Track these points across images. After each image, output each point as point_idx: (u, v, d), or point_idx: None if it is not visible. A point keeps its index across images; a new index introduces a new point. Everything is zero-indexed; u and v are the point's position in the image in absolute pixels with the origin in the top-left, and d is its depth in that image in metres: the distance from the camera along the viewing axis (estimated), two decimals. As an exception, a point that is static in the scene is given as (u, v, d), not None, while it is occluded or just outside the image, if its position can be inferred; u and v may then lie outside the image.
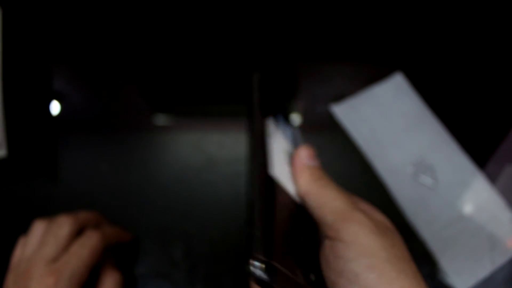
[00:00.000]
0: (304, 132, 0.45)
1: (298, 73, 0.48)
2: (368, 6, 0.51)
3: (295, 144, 0.31)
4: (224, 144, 0.44)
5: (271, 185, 0.24)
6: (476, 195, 0.41)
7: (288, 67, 0.49)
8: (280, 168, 0.27)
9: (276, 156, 0.27)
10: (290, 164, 0.28)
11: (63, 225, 0.32)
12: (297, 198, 0.26)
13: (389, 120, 0.45)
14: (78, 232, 0.33)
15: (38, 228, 0.33)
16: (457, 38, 0.49)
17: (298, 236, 0.25)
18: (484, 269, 0.38)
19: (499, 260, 0.39)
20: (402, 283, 0.20)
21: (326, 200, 0.24)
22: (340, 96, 0.46)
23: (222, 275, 0.38)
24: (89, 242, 0.31)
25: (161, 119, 0.46)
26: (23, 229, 0.40)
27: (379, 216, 0.26)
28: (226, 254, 0.39)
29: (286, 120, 0.28)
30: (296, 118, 0.46)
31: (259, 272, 0.19)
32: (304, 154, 0.28)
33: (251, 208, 0.22)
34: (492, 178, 0.42)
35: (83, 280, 0.30)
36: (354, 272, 0.21)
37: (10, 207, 0.41)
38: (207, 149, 0.44)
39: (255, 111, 0.28)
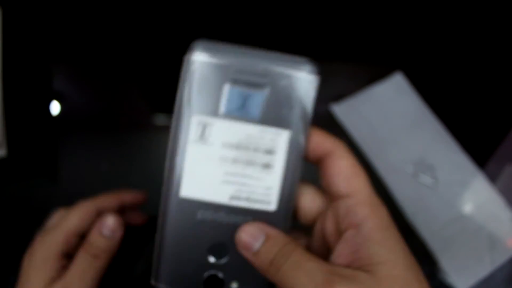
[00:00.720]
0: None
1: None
2: (368, 6, 0.51)
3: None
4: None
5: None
6: (476, 195, 0.42)
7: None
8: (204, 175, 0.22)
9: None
10: (250, 159, 0.22)
11: (70, 218, 0.29)
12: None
13: (389, 120, 0.45)
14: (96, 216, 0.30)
15: (51, 219, 0.31)
16: (457, 38, 0.49)
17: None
18: (484, 269, 0.38)
19: (499, 260, 0.39)
20: None
21: (296, 284, 0.20)
22: (340, 96, 0.46)
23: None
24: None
25: (161, 119, 0.46)
26: (23, 229, 0.40)
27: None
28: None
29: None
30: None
31: None
32: (245, 239, 0.22)
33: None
34: (492, 178, 0.42)
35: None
36: None
37: (10, 207, 0.41)
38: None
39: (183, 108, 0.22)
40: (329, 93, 0.46)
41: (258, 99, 0.22)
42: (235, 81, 0.22)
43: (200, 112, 0.22)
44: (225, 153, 0.22)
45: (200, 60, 0.23)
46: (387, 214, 0.22)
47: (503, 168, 0.43)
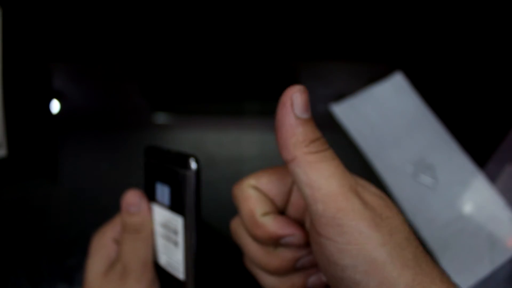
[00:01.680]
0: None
1: (298, 73, 0.48)
2: (368, 6, 0.51)
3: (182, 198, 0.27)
4: (224, 144, 0.44)
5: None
6: (476, 195, 0.42)
7: (288, 67, 0.49)
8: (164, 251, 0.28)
9: (159, 239, 0.29)
10: (168, 236, 0.28)
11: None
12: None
13: (389, 119, 0.45)
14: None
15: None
16: (457, 38, 0.49)
17: None
18: (484, 269, 0.38)
19: (499, 260, 0.39)
20: (405, 279, 0.18)
21: (318, 178, 0.19)
22: (340, 96, 0.46)
23: (221, 275, 0.38)
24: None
25: (161, 118, 0.46)
26: (23, 229, 0.40)
27: (374, 193, 0.21)
28: (226, 254, 0.39)
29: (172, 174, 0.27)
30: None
31: None
32: (298, 101, 0.21)
33: None
34: (492, 178, 0.42)
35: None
36: (353, 280, 0.19)
37: (10, 207, 0.41)
38: (207, 149, 0.44)
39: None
40: (329, 93, 0.46)
41: (166, 191, 0.28)
42: (159, 177, 0.29)
43: (150, 198, 0.30)
44: (158, 229, 0.29)
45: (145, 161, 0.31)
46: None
47: (503, 168, 0.43)
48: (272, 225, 0.24)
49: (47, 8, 0.50)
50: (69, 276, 0.38)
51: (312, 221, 0.21)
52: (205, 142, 0.44)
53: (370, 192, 0.21)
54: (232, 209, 0.41)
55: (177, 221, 0.27)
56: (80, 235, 0.39)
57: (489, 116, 0.45)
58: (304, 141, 0.20)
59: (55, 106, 0.46)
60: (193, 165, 0.26)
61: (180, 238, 0.27)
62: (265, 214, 0.24)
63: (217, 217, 0.40)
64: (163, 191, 0.28)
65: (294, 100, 0.21)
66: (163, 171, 0.28)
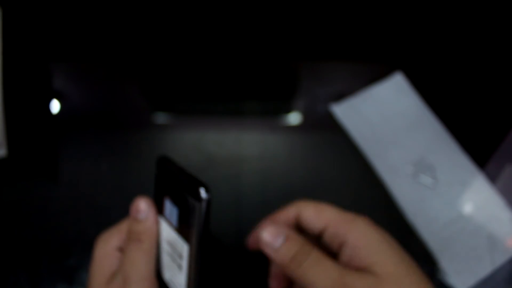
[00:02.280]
0: (304, 132, 0.45)
1: (298, 73, 0.48)
2: (368, 6, 0.51)
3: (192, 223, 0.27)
4: (224, 144, 0.44)
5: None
6: (476, 195, 0.42)
7: (288, 67, 0.49)
8: (169, 268, 0.28)
9: (165, 256, 0.28)
10: (173, 256, 0.28)
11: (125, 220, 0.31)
12: None
13: (389, 120, 0.45)
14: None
15: None
16: (457, 38, 0.49)
17: None
18: (484, 269, 0.38)
19: (499, 260, 0.39)
20: None
21: (313, 281, 0.24)
22: (340, 96, 0.46)
23: (221, 274, 0.38)
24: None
25: (161, 118, 0.46)
26: (23, 229, 0.40)
27: (367, 278, 0.24)
28: (226, 254, 0.39)
29: (182, 197, 0.26)
30: (296, 118, 0.46)
31: None
32: (267, 239, 0.26)
33: None
34: (492, 178, 0.42)
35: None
36: None
37: (10, 207, 0.41)
38: (207, 149, 0.44)
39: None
40: (329, 93, 0.46)
41: (175, 212, 0.27)
42: (169, 196, 0.27)
43: (159, 211, 0.29)
44: (165, 246, 0.28)
45: (157, 172, 0.29)
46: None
47: (503, 168, 0.43)
48: None
49: (47, 8, 0.50)
50: (69, 276, 0.38)
51: None
52: (205, 142, 0.44)
53: (365, 276, 0.23)
54: (231, 210, 0.41)
55: (183, 247, 0.26)
56: (80, 235, 0.39)
57: (489, 116, 0.45)
58: (287, 260, 0.25)
59: (55, 106, 0.46)
60: (204, 195, 0.24)
61: (184, 264, 0.26)
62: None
63: (217, 218, 0.40)
64: (171, 211, 0.27)
65: (263, 239, 0.26)
66: (173, 191, 0.27)
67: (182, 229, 0.26)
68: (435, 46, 0.49)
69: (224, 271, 0.38)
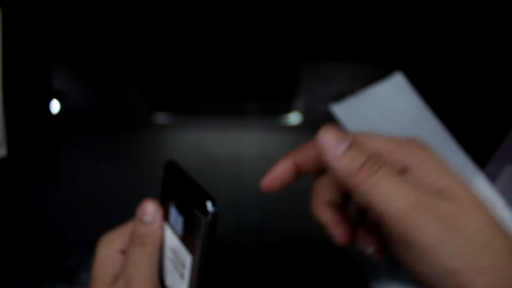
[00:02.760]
0: (304, 131, 0.45)
1: (298, 73, 0.48)
2: (368, 6, 0.51)
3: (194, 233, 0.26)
4: (224, 144, 0.44)
5: None
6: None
7: (288, 67, 0.49)
8: (171, 276, 0.27)
9: (168, 262, 0.28)
10: (176, 264, 0.27)
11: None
12: None
13: (389, 119, 0.45)
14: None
15: None
16: (457, 38, 0.49)
17: None
18: (484, 269, 0.38)
19: (499, 260, 0.39)
20: (480, 285, 0.18)
21: (382, 200, 0.19)
22: (340, 96, 0.46)
23: (221, 274, 0.38)
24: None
25: (161, 118, 0.46)
26: (23, 229, 0.40)
27: (451, 199, 0.20)
28: (226, 254, 0.39)
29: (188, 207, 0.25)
30: (296, 118, 0.46)
31: None
32: (327, 141, 0.21)
33: None
34: (492, 178, 0.42)
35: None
36: (429, 282, 0.19)
37: (10, 207, 0.41)
38: (207, 149, 0.44)
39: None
40: (329, 93, 0.46)
41: (180, 221, 0.26)
42: (175, 203, 0.27)
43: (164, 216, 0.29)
44: (168, 253, 0.28)
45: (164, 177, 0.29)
46: None
47: (503, 168, 0.43)
48: None
49: (47, 8, 0.50)
50: (69, 276, 0.38)
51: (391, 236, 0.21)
52: (205, 142, 0.44)
53: (445, 199, 0.20)
54: (231, 209, 0.41)
55: (186, 257, 0.26)
56: (80, 235, 0.39)
57: (489, 116, 0.45)
58: (354, 169, 0.20)
59: (55, 106, 0.46)
60: (210, 209, 0.23)
61: (187, 274, 0.26)
62: None
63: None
64: (177, 218, 0.27)
65: (323, 142, 0.21)
66: (179, 200, 0.26)
67: (187, 238, 0.26)
68: (435, 46, 0.49)
69: (224, 271, 0.38)
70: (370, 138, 0.23)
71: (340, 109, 0.45)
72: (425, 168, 0.21)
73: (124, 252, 0.29)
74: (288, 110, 0.46)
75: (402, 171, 0.21)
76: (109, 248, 0.29)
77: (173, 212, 0.27)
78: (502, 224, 0.20)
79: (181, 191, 0.26)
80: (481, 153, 0.43)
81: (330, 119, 0.45)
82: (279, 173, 0.26)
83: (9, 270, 0.38)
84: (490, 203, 0.21)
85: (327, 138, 0.21)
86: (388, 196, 0.19)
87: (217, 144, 0.44)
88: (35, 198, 0.41)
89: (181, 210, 0.26)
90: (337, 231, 0.25)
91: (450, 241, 0.18)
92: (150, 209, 0.29)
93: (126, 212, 0.41)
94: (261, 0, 0.51)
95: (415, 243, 0.19)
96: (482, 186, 0.42)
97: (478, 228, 0.19)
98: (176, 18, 0.50)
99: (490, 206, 0.20)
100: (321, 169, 0.26)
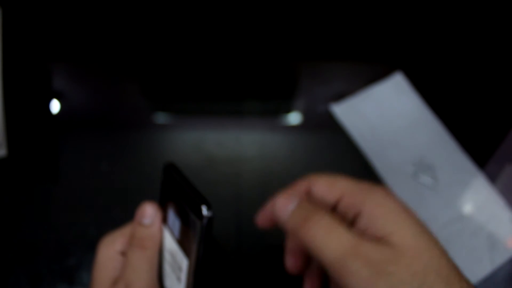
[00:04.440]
0: (304, 131, 0.45)
1: (298, 73, 0.48)
2: (368, 6, 0.51)
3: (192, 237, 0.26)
4: (224, 144, 0.44)
5: None
6: (476, 195, 0.42)
7: (288, 67, 0.49)
8: (170, 278, 0.27)
9: (167, 265, 0.28)
10: (173, 267, 0.27)
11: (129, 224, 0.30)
12: None
13: (389, 120, 0.45)
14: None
15: None
16: (457, 38, 0.49)
17: None
18: (484, 269, 0.38)
19: (499, 260, 0.39)
20: None
21: (315, 248, 0.22)
22: (340, 96, 0.46)
23: (220, 274, 0.38)
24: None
25: (161, 118, 0.46)
26: (23, 229, 0.40)
27: (382, 244, 0.22)
28: (225, 254, 0.39)
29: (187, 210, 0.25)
30: (296, 118, 0.46)
31: None
32: (280, 204, 0.25)
33: None
34: (492, 178, 0.42)
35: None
36: None
37: (10, 207, 0.41)
38: (207, 149, 0.44)
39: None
40: (329, 93, 0.46)
41: (177, 224, 0.26)
42: (173, 207, 0.27)
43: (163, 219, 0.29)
44: (167, 256, 0.28)
45: (163, 179, 0.29)
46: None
47: (503, 168, 0.43)
48: None
49: (47, 8, 0.50)
50: (69, 276, 0.38)
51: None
52: (205, 142, 0.44)
53: (383, 245, 0.21)
54: (231, 209, 0.41)
55: (183, 261, 0.26)
56: (80, 235, 0.39)
57: (489, 116, 0.45)
58: (299, 224, 0.23)
59: (55, 106, 0.46)
60: (205, 213, 0.23)
61: (183, 277, 0.26)
62: None
63: (217, 217, 0.40)
64: (174, 221, 0.27)
65: (276, 208, 0.26)
66: (177, 203, 0.26)
67: (183, 242, 0.26)
68: (435, 46, 0.49)
69: (223, 272, 0.38)
70: (335, 182, 0.26)
71: (340, 109, 0.45)
72: (375, 214, 0.23)
73: (124, 253, 0.29)
74: (288, 110, 0.46)
75: (355, 216, 0.24)
76: (110, 250, 0.29)
77: (171, 214, 0.27)
78: (441, 271, 0.21)
79: (178, 194, 0.26)
80: (481, 153, 0.43)
81: (330, 119, 0.45)
82: (270, 210, 0.28)
83: (9, 270, 0.38)
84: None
85: (279, 203, 0.25)
86: (324, 245, 0.22)
87: (217, 144, 0.44)
88: (35, 198, 0.41)
89: (178, 213, 0.26)
90: (290, 259, 0.29)
91: (380, 285, 0.20)
92: (149, 211, 0.28)
93: (126, 212, 0.41)
94: (261, 0, 0.51)
95: (348, 286, 0.20)
96: (482, 186, 0.42)
97: (409, 273, 0.20)
98: (176, 18, 0.50)
99: (435, 253, 0.22)
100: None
